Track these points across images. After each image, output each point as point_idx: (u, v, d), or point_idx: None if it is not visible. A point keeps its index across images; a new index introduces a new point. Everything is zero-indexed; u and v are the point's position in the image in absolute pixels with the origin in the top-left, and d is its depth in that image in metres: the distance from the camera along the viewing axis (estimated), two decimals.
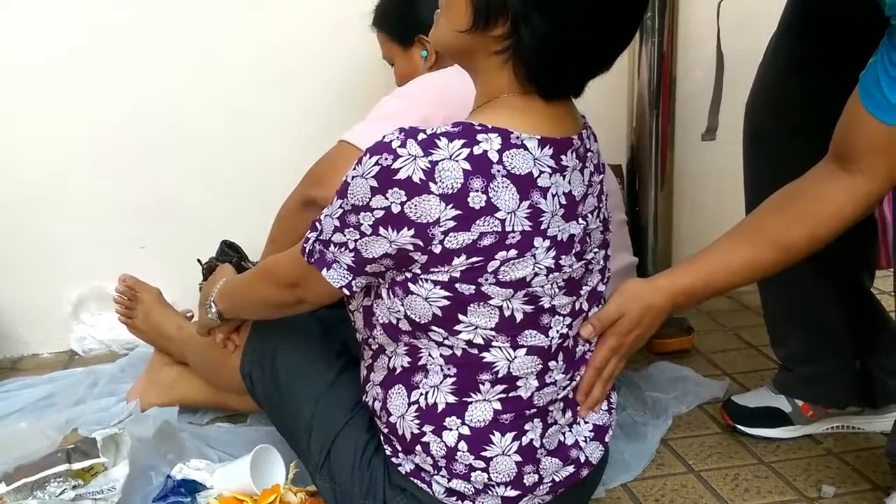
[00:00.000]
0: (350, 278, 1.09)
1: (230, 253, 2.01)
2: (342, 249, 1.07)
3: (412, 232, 1.01)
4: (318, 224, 1.11)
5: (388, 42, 1.82)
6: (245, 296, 1.33)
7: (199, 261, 1.93)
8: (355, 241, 1.05)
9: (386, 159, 1.00)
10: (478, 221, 1.01)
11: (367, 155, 1.02)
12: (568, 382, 1.18)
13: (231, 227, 2.06)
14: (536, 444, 1.15)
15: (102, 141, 2.13)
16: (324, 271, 1.10)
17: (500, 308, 1.07)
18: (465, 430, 1.12)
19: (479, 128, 1.02)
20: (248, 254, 2.00)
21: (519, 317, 1.08)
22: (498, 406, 1.12)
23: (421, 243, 1.02)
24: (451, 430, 1.12)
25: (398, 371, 1.15)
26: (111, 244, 2.18)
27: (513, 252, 1.03)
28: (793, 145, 1.44)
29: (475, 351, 1.09)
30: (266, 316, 1.35)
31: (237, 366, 1.44)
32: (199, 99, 2.16)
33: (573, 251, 1.10)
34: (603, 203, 1.20)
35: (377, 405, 1.19)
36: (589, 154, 1.15)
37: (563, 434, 1.20)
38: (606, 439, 1.26)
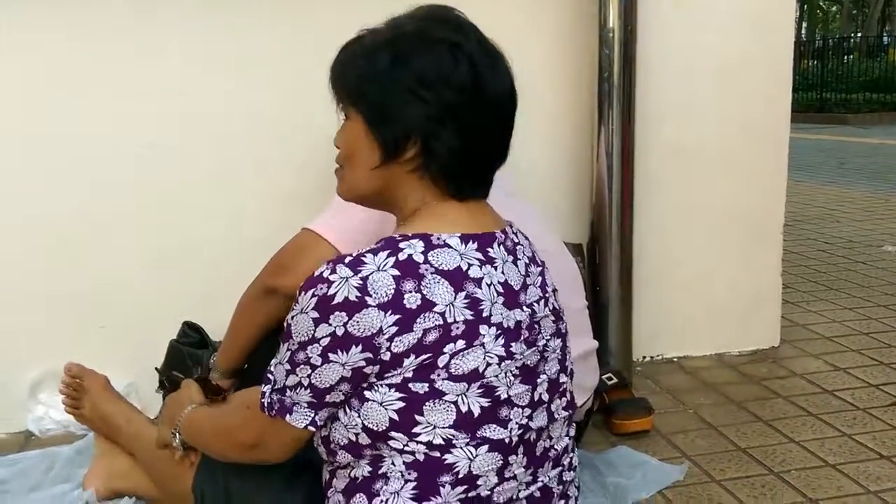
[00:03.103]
0: (313, 415, 1.12)
1: (192, 334, 2.00)
2: (298, 390, 1.11)
3: (360, 348, 1.05)
4: (269, 376, 1.15)
5: None
6: (208, 443, 1.36)
7: (156, 369, 1.91)
8: (308, 376, 1.09)
9: (321, 289, 1.05)
10: (418, 320, 1.05)
11: (302, 292, 1.07)
12: (530, 479, 1.18)
13: (191, 307, 2.06)
14: None
15: (54, 223, 2.12)
16: (287, 417, 1.12)
17: (456, 403, 1.08)
18: None
19: (399, 238, 1.09)
20: (211, 334, 1.99)
21: (476, 411, 1.10)
22: None
23: (371, 355, 1.05)
24: None
25: (360, 480, 1.15)
26: (69, 325, 2.16)
27: (461, 343, 1.07)
28: None
29: (437, 454, 1.10)
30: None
31: (189, 483, 1.43)
32: (154, 182, 2.17)
33: (522, 338, 1.14)
34: (549, 294, 1.23)
35: None
36: (518, 247, 1.20)
37: None
38: None
